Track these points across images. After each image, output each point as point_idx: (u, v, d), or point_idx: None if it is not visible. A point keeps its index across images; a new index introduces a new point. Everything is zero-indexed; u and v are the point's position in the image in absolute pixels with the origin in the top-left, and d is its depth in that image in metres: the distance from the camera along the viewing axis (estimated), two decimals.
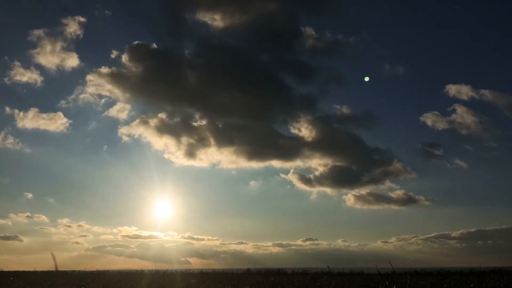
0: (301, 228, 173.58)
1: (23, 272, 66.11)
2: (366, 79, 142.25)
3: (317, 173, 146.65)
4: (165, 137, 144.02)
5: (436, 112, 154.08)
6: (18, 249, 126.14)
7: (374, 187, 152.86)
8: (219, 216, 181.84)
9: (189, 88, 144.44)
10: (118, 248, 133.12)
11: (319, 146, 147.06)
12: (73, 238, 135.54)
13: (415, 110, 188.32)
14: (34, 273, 54.35)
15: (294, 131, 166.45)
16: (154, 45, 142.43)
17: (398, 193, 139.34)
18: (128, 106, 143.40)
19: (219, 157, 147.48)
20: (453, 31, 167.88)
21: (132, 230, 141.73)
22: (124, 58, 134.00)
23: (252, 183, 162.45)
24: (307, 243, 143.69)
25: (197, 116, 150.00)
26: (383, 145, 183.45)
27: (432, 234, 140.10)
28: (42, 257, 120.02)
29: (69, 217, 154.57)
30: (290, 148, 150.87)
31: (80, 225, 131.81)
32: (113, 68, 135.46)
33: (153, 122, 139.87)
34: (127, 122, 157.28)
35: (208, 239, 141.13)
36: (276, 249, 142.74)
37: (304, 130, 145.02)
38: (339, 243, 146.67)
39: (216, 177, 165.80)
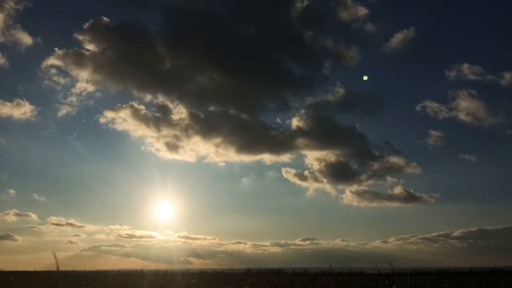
0: (299, 227, 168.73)
1: (23, 272, 66.11)
2: (365, 78, 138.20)
3: (312, 167, 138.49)
4: (141, 126, 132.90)
5: (441, 100, 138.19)
6: (13, 249, 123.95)
7: (373, 183, 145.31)
8: (213, 214, 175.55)
9: (161, 69, 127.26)
10: (114, 248, 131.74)
11: (314, 137, 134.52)
12: (65, 238, 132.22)
13: (417, 96, 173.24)
14: (34, 273, 54.31)
15: (286, 120, 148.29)
16: (115, 20, 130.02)
17: (398, 189, 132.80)
18: (97, 93, 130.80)
19: (205, 150, 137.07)
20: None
21: (124, 229, 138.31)
22: (83, 36, 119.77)
23: (244, 179, 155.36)
24: (306, 242, 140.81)
25: (172, 105, 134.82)
26: (383, 137, 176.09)
27: (434, 234, 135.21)
28: (37, 257, 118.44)
29: (57, 214, 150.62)
30: (282, 139, 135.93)
31: (70, 223, 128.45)
32: (72, 49, 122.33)
33: (125, 110, 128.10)
34: (99, 110, 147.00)
35: (205, 238, 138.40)
36: (274, 249, 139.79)
37: (297, 119, 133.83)
38: (338, 242, 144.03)
39: (205, 172, 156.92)
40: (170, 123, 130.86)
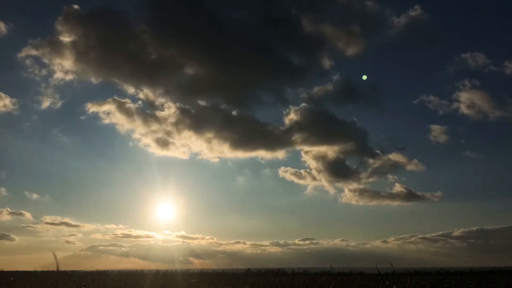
0: (297, 226, 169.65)
1: (23, 272, 66.06)
2: (364, 77, 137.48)
3: (309, 165, 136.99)
4: (128, 121, 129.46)
5: (445, 93, 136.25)
6: (11, 249, 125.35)
7: (372, 181, 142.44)
8: (211, 214, 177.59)
9: (146, 59, 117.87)
10: (111, 248, 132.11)
11: (311, 133, 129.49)
12: (62, 238, 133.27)
13: (421, 88, 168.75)
14: (34, 273, 54.28)
15: (281, 114, 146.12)
16: (93, 4, 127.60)
17: (399, 188, 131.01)
18: (79, 85, 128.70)
19: (197, 147, 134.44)
20: None
21: (120, 228, 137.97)
22: (60, 26, 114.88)
23: (240, 177, 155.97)
24: (306, 242, 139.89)
25: (160, 98, 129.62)
26: (384, 132, 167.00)
27: (434, 233, 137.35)
28: (34, 257, 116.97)
29: (50, 213, 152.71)
30: (278, 135, 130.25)
31: (65, 222, 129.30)
32: (49, 38, 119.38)
33: (110, 104, 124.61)
34: (82, 103, 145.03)
35: (202, 238, 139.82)
36: (274, 249, 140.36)
37: (293, 113, 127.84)
38: (338, 242, 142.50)
39: (199, 169, 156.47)
40: (159, 118, 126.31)
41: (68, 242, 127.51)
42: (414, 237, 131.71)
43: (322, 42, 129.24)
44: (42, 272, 53.36)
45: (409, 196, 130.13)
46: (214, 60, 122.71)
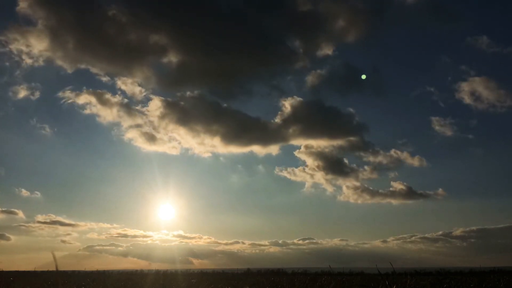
0: (296, 225, 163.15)
1: (23, 272, 66.05)
2: (363, 77, 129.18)
3: (305, 161, 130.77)
4: (110, 113, 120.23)
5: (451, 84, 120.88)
6: (7, 248, 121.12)
7: (372, 178, 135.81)
8: (208, 212, 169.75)
9: (121, 42, 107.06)
10: (108, 247, 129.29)
11: (307, 126, 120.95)
12: (57, 237, 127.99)
13: (424, 80, 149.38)
14: (34, 273, 54.25)
15: (275, 105, 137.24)
16: None
17: (399, 185, 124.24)
18: (53, 72, 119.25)
19: (187, 141, 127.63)
20: None
21: (114, 227, 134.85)
22: (30, 8, 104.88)
23: (234, 175, 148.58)
24: (305, 242, 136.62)
25: (141, 89, 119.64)
26: (385, 126, 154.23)
27: (435, 233, 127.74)
28: (31, 257, 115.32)
29: (42, 212, 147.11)
30: (272, 129, 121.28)
31: (58, 221, 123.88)
32: (14, 21, 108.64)
33: (89, 94, 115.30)
34: (58, 92, 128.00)
35: (200, 237, 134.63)
36: (273, 249, 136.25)
37: (288, 104, 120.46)
38: (337, 242, 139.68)
39: (191, 165, 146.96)
40: (143, 110, 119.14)
41: (64, 241, 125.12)
42: (414, 237, 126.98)
43: (319, 26, 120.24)
44: (42, 272, 53.37)
45: (410, 194, 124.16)
46: (201, 45, 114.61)
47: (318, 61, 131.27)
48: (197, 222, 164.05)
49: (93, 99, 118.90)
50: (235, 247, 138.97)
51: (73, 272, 62.17)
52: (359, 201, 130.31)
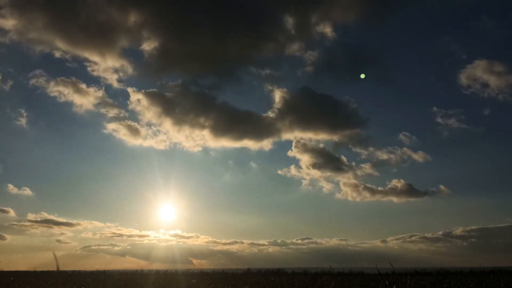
0: (294, 224, 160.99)
1: (23, 272, 66.04)
2: (362, 76, 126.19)
3: (301, 155, 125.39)
4: (83, 101, 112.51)
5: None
6: (4, 248, 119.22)
7: (371, 175, 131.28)
8: (204, 210, 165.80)
9: (94, 23, 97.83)
10: (105, 247, 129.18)
11: (301, 117, 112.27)
12: (51, 237, 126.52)
13: (429, 64, 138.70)
14: (34, 273, 54.23)
15: (266, 94, 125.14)
16: None
17: (399, 183, 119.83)
18: (18, 55, 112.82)
19: (175, 136, 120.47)
20: None
21: (107, 226, 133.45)
22: None
23: (227, 172, 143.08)
24: (304, 241, 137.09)
25: (118, 76, 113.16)
26: (385, 118, 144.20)
27: (435, 232, 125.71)
28: (28, 257, 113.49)
29: (32, 210, 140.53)
30: (264, 122, 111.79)
31: (51, 219, 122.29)
32: None
33: (65, 82, 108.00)
34: (23, 76, 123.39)
35: (197, 237, 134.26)
36: (272, 248, 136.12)
37: (280, 94, 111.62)
38: (336, 241, 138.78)
39: (181, 161, 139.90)
40: (124, 101, 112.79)
41: (58, 241, 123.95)
42: (414, 236, 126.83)
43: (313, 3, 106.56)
44: (42, 272, 53.36)
45: (411, 191, 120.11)
46: (185, 28, 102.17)
47: (314, 43, 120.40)
48: (194, 221, 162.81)
49: (67, 88, 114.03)
50: (234, 247, 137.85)
51: (73, 272, 62.16)
52: (358, 199, 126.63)
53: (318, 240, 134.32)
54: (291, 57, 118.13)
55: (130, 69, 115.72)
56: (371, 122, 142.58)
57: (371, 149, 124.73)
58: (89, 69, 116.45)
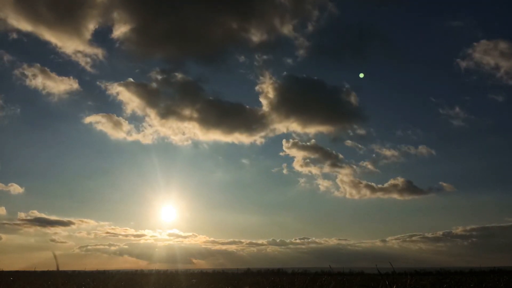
0: (292, 222, 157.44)
1: (23, 272, 66.03)
2: (361, 75, 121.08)
3: (294, 156, 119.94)
4: (58, 88, 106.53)
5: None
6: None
7: (369, 172, 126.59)
8: (200, 209, 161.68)
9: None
10: (101, 246, 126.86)
11: (294, 109, 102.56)
12: (45, 236, 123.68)
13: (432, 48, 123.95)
14: (34, 273, 54.23)
15: (256, 83, 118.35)
16: None
17: (399, 180, 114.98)
18: None
19: (163, 129, 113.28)
20: None
21: (100, 225, 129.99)
22: None
23: (218, 168, 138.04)
24: (303, 241, 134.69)
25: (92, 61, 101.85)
26: (386, 110, 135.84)
27: (436, 232, 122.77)
28: (25, 257, 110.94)
29: (22, 209, 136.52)
30: (256, 114, 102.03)
31: (43, 218, 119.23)
32: None
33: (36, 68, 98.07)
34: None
35: (194, 236, 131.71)
36: (271, 248, 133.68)
37: (271, 83, 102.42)
38: (335, 241, 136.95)
39: (171, 155, 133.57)
40: (105, 92, 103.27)
41: (53, 240, 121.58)
42: (414, 236, 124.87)
43: None
44: (43, 272, 53.34)
45: (413, 189, 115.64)
46: (167, 7, 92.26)
47: (309, 21, 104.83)
48: (191, 220, 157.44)
49: (35, 74, 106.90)
50: (232, 247, 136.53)
51: (73, 272, 62.16)
52: (356, 197, 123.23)
53: (317, 240, 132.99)
54: (284, 39, 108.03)
55: (101, 55, 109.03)
56: (371, 114, 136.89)
57: (370, 144, 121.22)
58: (56, 54, 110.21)
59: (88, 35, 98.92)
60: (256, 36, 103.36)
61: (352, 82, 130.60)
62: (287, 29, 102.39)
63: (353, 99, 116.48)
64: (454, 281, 19.54)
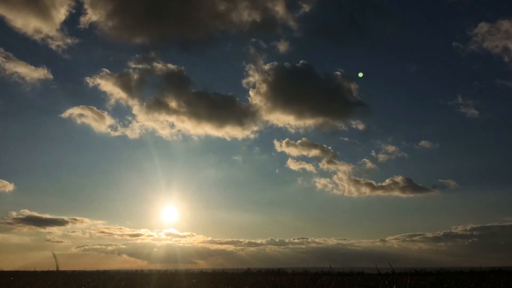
0: (290, 220, 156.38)
1: (23, 272, 66.08)
2: (360, 75, 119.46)
3: (289, 153, 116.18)
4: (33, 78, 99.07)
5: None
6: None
7: (368, 169, 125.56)
8: (195, 208, 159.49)
9: None
10: (98, 246, 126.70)
11: (287, 100, 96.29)
12: (39, 235, 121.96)
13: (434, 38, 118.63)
14: (34, 273, 54.25)
15: (246, 75, 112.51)
16: None
17: (400, 178, 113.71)
18: None
19: (148, 122, 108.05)
20: None
21: (94, 223, 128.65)
22: None
23: (211, 165, 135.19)
24: (303, 240, 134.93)
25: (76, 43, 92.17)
26: (385, 102, 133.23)
27: (437, 231, 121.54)
28: (24, 256, 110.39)
29: (14, 208, 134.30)
30: (246, 107, 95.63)
31: (36, 217, 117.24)
32: None
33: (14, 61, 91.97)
34: None
35: (192, 235, 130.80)
36: (270, 248, 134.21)
37: (262, 74, 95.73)
38: (334, 240, 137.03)
39: (160, 150, 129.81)
40: (88, 83, 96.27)
41: (48, 240, 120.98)
42: (415, 236, 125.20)
43: None
44: (43, 272, 53.37)
45: (414, 187, 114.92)
46: None
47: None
48: (189, 220, 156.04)
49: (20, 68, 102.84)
50: (231, 247, 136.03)
51: (73, 272, 62.20)
52: (354, 195, 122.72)
53: (317, 240, 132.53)
54: (277, 20, 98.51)
55: (75, 40, 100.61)
56: (370, 107, 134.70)
57: (371, 139, 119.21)
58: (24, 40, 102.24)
59: (59, 19, 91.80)
60: (246, 18, 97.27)
61: (349, 70, 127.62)
62: (280, 8, 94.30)
63: (353, 92, 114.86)
64: (454, 281, 19.55)
